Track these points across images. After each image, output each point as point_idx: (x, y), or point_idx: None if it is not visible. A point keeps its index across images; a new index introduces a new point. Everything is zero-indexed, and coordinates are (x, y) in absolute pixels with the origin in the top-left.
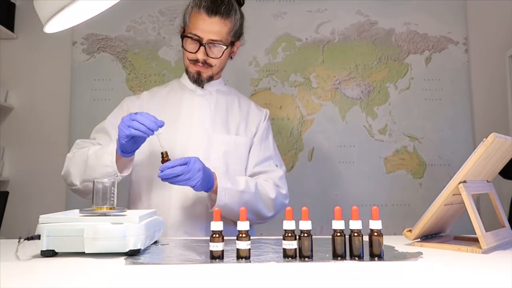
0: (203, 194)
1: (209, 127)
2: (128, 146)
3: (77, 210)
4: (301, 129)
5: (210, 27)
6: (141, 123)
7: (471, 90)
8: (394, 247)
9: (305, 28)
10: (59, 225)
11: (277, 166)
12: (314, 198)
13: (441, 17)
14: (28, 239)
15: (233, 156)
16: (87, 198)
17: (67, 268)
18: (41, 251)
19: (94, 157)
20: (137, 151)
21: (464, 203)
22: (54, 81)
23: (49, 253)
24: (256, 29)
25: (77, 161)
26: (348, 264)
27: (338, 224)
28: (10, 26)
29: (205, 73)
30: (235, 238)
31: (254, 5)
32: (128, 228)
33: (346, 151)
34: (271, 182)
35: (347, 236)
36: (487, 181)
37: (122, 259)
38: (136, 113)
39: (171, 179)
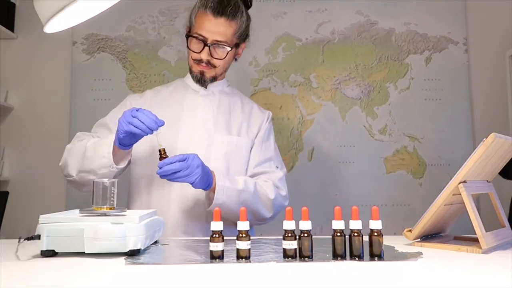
0: (202, 194)
1: (211, 127)
2: (126, 140)
3: (77, 210)
4: (301, 129)
5: (216, 27)
6: (141, 121)
7: (471, 90)
8: (394, 247)
9: (305, 28)
10: (59, 225)
11: (277, 167)
12: (314, 198)
13: (441, 17)
14: (28, 239)
15: (234, 157)
16: (83, 191)
17: (67, 268)
18: (41, 251)
19: (92, 148)
20: (137, 150)
21: (464, 203)
22: (54, 81)
23: (49, 253)
24: (256, 29)
25: (75, 152)
26: (348, 264)
27: (338, 224)
28: (10, 26)
29: (208, 73)
30: (235, 238)
31: (254, 5)
32: (128, 228)
33: (346, 151)
34: (270, 183)
35: (347, 236)
36: (487, 181)
37: (122, 259)
38: (138, 109)
39: (170, 176)
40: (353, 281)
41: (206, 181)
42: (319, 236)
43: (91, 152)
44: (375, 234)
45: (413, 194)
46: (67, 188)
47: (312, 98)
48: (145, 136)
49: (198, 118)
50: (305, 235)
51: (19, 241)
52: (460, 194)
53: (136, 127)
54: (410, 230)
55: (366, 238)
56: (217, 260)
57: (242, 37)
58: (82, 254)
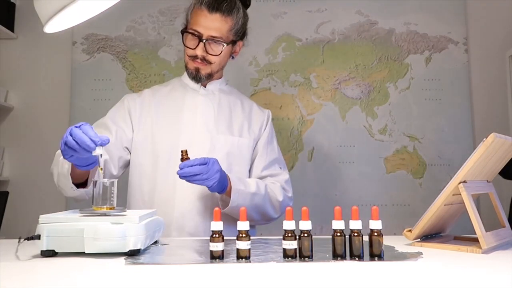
0: (206, 195)
1: (212, 128)
2: (74, 161)
3: (77, 210)
4: (301, 129)
5: (211, 23)
6: (75, 140)
7: (471, 90)
8: (394, 247)
9: (305, 28)
10: (59, 225)
11: (280, 168)
12: (314, 198)
13: (441, 17)
14: (28, 239)
15: (236, 157)
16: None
17: (67, 268)
18: (41, 251)
19: (61, 163)
20: (140, 153)
21: (464, 203)
22: (54, 81)
23: (49, 253)
24: (256, 29)
25: (56, 161)
26: (348, 264)
27: (338, 224)
28: (10, 26)
29: (204, 70)
30: (235, 238)
31: (254, 5)
32: (128, 228)
33: (346, 151)
34: (278, 185)
35: (347, 236)
36: (487, 181)
37: (122, 259)
38: (80, 125)
39: (189, 178)
40: (353, 281)
41: (222, 185)
42: (319, 236)
43: (61, 167)
44: (375, 234)
45: (413, 194)
46: None
47: (312, 98)
48: (145, 140)
49: (199, 117)
50: (305, 235)
51: (19, 241)
52: (460, 194)
53: (70, 148)
54: (410, 230)
55: (366, 238)
56: (217, 260)
57: (238, 34)
58: (82, 254)
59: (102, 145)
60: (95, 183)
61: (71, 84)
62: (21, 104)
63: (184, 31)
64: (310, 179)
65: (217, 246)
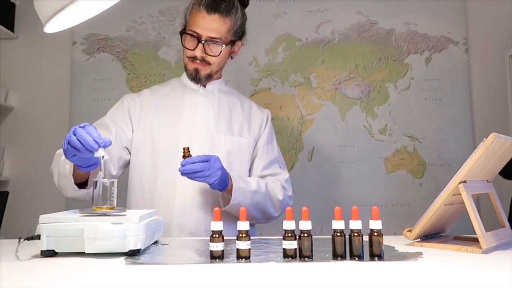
0: (207, 190)
1: (212, 127)
2: (76, 161)
3: (77, 210)
4: (301, 129)
5: (209, 24)
6: (79, 140)
7: (471, 90)
8: (394, 247)
9: (305, 28)
10: (59, 225)
11: (280, 168)
12: (314, 198)
13: (441, 17)
14: (28, 239)
15: (236, 157)
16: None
17: (67, 268)
18: (41, 251)
19: (62, 164)
20: (140, 153)
21: (464, 203)
22: (54, 81)
23: (49, 253)
24: (256, 29)
25: (56, 161)
26: (348, 264)
27: (338, 224)
28: (10, 26)
29: (203, 70)
30: (235, 238)
31: (254, 5)
32: (128, 228)
33: (346, 151)
34: (278, 184)
35: (347, 236)
36: (487, 181)
37: (122, 259)
38: (84, 126)
39: (191, 174)
40: (353, 281)
41: (223, 182)
42: (319, 236)
43: (62, 167)
44: (375, 234)
45: (413, 194)
46: None
47: (312, 98)
48: (145, 140)
49: (199, 117)
50: (305, 235)
51: (19, 241)
52: (460, 194)
53: (73, 147)
54: (410, 230)
55: (366, 238)
56: (217, 260)
57: (237, 34)
58: (82, 254)
59: (105, 146)
60: (95, 183)
61: (71, 84)
62: (21, 104)
63: (182, 32)
64: (310, 179)
65: (217, 246)
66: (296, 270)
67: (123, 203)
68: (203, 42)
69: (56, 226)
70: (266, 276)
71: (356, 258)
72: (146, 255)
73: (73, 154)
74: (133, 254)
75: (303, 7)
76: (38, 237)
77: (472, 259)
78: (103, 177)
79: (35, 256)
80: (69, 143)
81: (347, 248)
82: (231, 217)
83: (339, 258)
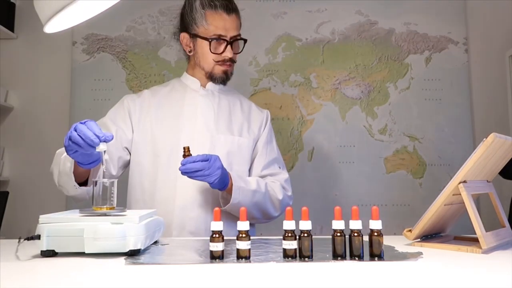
0: (207, 189)
1: (213, 127)
2: (77, 158)
3: (77, 210)
4: (301, 129)
5: (231, 24)
6: (80, 135)
7: (471, 90)
8: (394, 247)
9: (305, 28)
10: (59, 225)
11: (280, 168)
12: (314, 198)
13: (441, 17)
14: (28, 239)
15: (236, 156)
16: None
17: (67, 268)
18: (41, 251)
19: (63, 162)
20: (140, 153)
21: (464, 203)
22: (54, 81)
23: (49, 253)
24: (256, 29)
25: (57, 160)
26: (348, 264)
27: (338, 224)
28: (10, 26)
29: (230, 70)
30: (235, 238)
31: (254, 5)
32: (128, 228)
33: (346, 151)
34: (278, 184)
35: (347, 236)
36: (487, 181)
37: (122, 259)
38: (85, 122)
39: (191, 174)
40: (353, 281)
41: (223, 182)
42: (319, 236)
43: (62, 165)
44: (375, 234)
45: (413, 194)
46: None
47: (312, 98)
48: (145, 140)
49: (199, 118)
50: (305, 235)
51: (19, 241)
52: (460, 194)
53: (75, 143)
54: (410, 230)
55: (366, 238)
56: (217, 260)
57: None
58: (82, 254)
59: (106, 141)
60: (95, 183)
61: (71, 84)
62: (21, 104)
63: (212, 38)
64: (310, 179)
65: (217, 246)
66: (296, 270)
67: (123, 203)
68: (231, 42)
69: (56, 226)
70: (266, 276)
71: (356, 258)
72: (146, 255)
73: (74, 150)
74: (133, 254)
75: (303, 7)
76: (38, 237)
77: (472, 259)
78: (104, 171)
79: (35, 256)
80: (70, 139)
81: (347, 248)
82: (231, 217)
83: (339, 258)
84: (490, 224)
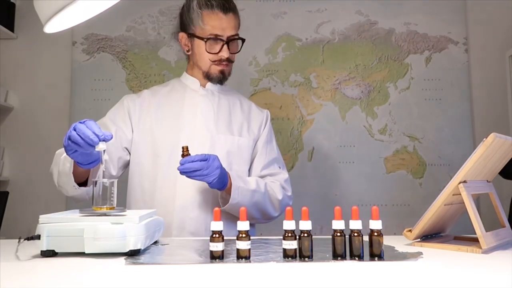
0: (207, 189)
1: (212, 127)
2: (76, 157)
3: (77, 210)
4: (301, 129)
5: (228, 23)
6: (79, 135)
7: (471, 90)
8: (394, 247)
9: (305, 28)
10: (59, 225)
11: (279, 168)
12: (314, 198)
13: (441, 17)
14: (28, 239)
15: (236, 156)
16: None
17: (67, 268)
18: (41, 251)
19: (62, 162)
20: (140, 153)
21: (464, 203)
22: (54, 81)
23: (49, 253)
24: (256, 29)
25: (56, 161)
26: (348, 264)
27: (338, 224)
28: (10, 26)
29: (227, 70)
30: (235, 238)
31: (254, 5)
32: (128, 228)
33: (346, 151)
34: (278, 184)
35: (347, 236)
36: (487, 181)
37: (122, 259)
38: (84, 121)
39: (190, 173)
40: (353, 281)
41: (222, 182)
42: (319, 236)
43: (62, 166)
44: (375, 234)
45: (413, 194)
46: None
47: (312, 98)
48: (145, 140)
49: (199, 118)
50: (305, 235)
51: (19, 241)
52: (460, 194)
53: (74, 142)
54: (410, 230)
55: (366, 238)
56: (217, 260)
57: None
58: (82, 254)
59: (105, 140)
60: (95, 183)
61: (71, 84)
62: (21, 104)
63: (207, 38)
64: (310, 179)
65: (217, 246)
66: (296, 270)
67: (123, 204)
68: (228, 42)
69: (56, 226)
70: (266, 276)
71: (356, 258)
72: (146, 255)
73: (74, 150)
74: (133, 254)
75: (303, 7)
76: (38, 237)
77: (472, 259)
78: (102, 176)
79: (35, 256)
80: (69, 138)
81: (347, 248)
82: (231, 217)
83: (339, 258)
84: (490, 224)
